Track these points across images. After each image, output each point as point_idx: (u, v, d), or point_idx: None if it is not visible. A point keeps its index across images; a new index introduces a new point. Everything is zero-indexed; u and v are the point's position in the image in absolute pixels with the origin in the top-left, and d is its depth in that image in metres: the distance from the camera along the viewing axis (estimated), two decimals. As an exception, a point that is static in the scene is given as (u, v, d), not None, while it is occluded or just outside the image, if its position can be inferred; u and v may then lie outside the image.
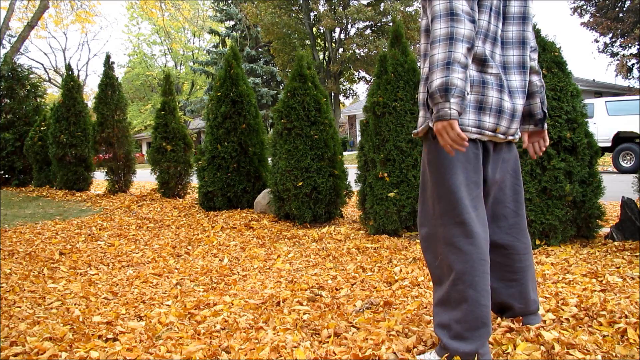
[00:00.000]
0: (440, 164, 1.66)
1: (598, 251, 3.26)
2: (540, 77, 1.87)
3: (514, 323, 1.90)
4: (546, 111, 1.87)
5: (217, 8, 29.30)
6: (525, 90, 1.76)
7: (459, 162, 1.64)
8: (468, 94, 1.54)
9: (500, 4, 1.69)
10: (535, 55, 1.83)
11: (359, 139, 4.75)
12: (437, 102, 1.50)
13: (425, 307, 2.32)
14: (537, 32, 3.60)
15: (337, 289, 2.83)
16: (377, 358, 1.80)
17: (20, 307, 2.74)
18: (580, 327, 1.92)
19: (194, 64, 33.04)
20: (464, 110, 1.57)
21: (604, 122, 10.63)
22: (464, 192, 1.64)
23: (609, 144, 10.56)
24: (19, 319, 2.50)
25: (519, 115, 1.74)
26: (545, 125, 1.91)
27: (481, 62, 1.65)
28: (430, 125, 1.66)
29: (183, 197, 7.29)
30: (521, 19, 1.75)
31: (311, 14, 24.71)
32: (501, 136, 1.71)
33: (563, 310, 2.10)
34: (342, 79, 27.87)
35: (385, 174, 4.19)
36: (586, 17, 23.46)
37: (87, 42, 60.75)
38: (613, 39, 23.21)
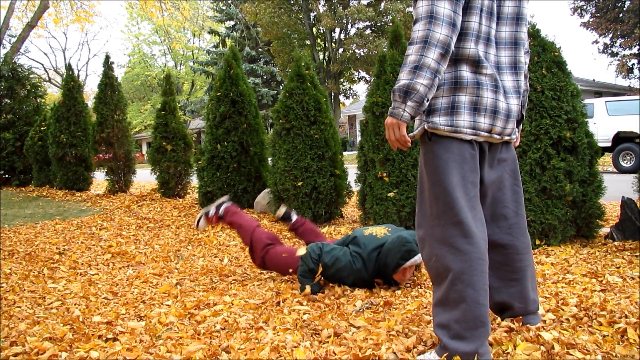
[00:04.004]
0: (436, 165, 1.67)
1: (598, 251, 3.26)
2: (527, 80, 1.87)
3: (513, 323, 1.89)
4: (524, 114, 1.89)
5: (216, 8, 29.28)
6: (518, 90, 1.76)
7: (455, 162, 1.65)
8: (427, 101, 1.60)
9: (492, 4, 1.69)
10: (527, 59, 1.83)
11: (359, 139, 4.75)
12: (396, 100, 1.61)
13: (425, 307, 2.32)
14: (536, 32, 3.60)
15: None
16: (377, 358, 1.80)
17: (20, 307, 2.74)
18: (580, 327, 1.92)
19: (194, 64, 33.02)
20: (418, 115, 1.63)
21: (604, 122, 10.62)
22: (460, 193, 1.65)
23: (609, 144, 10.55)
24: (19, 319, 2.50)
25: (515, 116, 1.75)
26: (521, 126, 1.93)
27: (475, 64, 1.65)
28: (426, 127, 1.68)
29: (183, 197, 7.29)
30: (515, 20, 1.75)
31: (311, 14, 24.70)
32: (497, 136, 1.72)
33: (563, 310, 2.10)
34: (342, 79, 27.86)
35: (385, 174, 4.19)
36: (586, 17, 23.46)
37: (87, 42, 60.91)
38: (613, 39, 23.20)
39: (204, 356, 1.94)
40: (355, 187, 4.89)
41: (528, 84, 1.89)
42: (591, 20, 23.09)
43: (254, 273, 3.36)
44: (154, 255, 4.10)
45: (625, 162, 10.46)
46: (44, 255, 4.04)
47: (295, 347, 1.96)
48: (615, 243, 3.37)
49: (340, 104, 29.26)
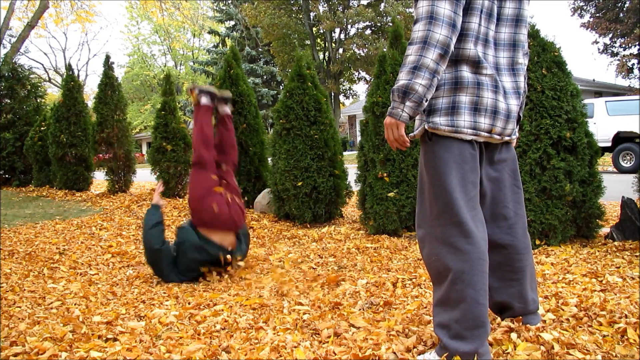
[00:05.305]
0: (436, 165, 1.67)
1: (598, 251, 3.26)
2: (525, 81, 1.87)
3: (513, 323, 1.89)
4: (522, 115, 1.89)
5: (216, 8, 29.29)
6: (517, 91, 1.76)
7: (455, 162, 1.66)
8: (426, 101, 1.61)
9: (493, 6, 1.69)
10: (525, 60, 1.83)
11: (359, 139, 4.75)
12: (395, 100, 1.61)
13: (425, 307, 2.32)
14: (536, 32, 3.60)
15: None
16: (377, 358, 1.80)
17: (20, 307, 2.74)
18: (580, 327, 1.92)
19: (194, 64, 33.02)
20: (417, 115, 1.64)
21: (604, 122, 10.62)
22: (460, 193, 1.65)
23: (609, 144, 10.54)
24: (19, 319, 2.50)
25: (515, 116, 1.76)
26: (518, 126, 1.93)
27: (475, 64, 1.66)
28: (426, 127, 1.68)
29: (183, 197, 7.29)
30: (514, 22, 1.75)
31: (311, 14, 24.70)
32: (497, 137, 1.72)
33: (563, 310, 2.10)
34: (342, 79, 27.85)
35: (385, 174, 4.19)
36: (586, 18, 23.46)
37: (87, 42, 60.86)
38: (613, 39, 23.20)
39: (204, 356, 1.94)
40: (355, 187, 4.89)
41: (526, 85, 1.90)
42: (591, 20, 23.09)
43: (254, 273, 3.36)
44: (154, 255, 4.09)
45: (625, 162, 10.46)
46: (44, 255, 4.04)
47: (295, 347, 1.96)
48: (615, 243, 3.37)
49: (340, 104, 29.25)
